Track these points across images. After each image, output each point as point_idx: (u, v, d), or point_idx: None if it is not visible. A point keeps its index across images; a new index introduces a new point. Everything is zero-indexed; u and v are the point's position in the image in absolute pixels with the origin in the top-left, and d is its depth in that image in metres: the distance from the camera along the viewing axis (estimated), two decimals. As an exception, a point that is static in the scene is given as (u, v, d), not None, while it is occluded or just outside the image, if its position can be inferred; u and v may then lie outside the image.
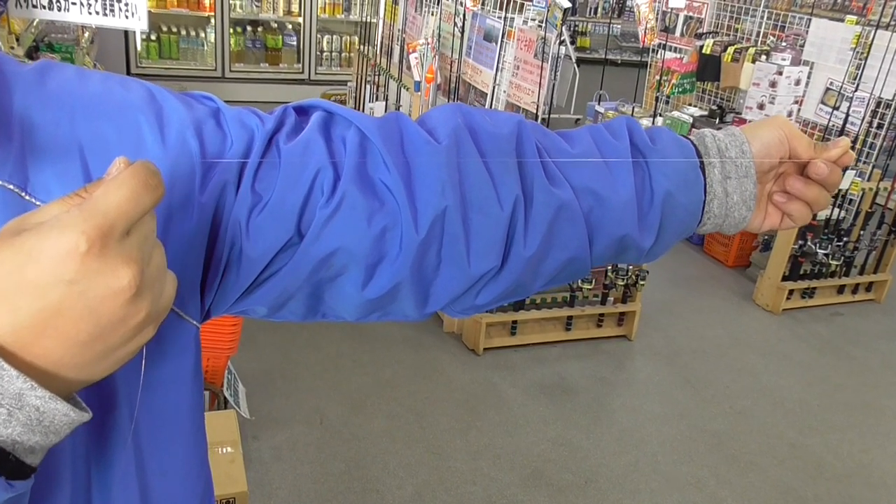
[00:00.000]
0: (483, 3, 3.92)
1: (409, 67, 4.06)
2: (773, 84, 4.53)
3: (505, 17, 3.59)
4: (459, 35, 3.83)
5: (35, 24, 3.18)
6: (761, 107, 4.62)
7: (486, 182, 0.62)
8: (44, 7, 2.13)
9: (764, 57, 4.65)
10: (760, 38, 5.09)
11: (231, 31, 6.71)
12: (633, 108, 4.33)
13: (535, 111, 3.35)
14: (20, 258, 0.37)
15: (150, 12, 6.77)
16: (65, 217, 0.38)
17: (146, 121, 0.54)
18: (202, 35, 6.79)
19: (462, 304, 0.67)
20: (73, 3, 2.14)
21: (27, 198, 0.48)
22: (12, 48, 2.73)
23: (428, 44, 3.88)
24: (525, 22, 3.55)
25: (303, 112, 0.64)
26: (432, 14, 4.09)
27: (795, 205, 0.73)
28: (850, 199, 4.29)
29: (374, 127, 0.61)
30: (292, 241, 0.57)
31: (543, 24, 3.26)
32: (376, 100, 4.67)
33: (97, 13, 2.15)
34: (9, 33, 2.72)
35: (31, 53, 3.59)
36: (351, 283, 0.61)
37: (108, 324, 0.40)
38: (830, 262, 4.17)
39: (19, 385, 0.38)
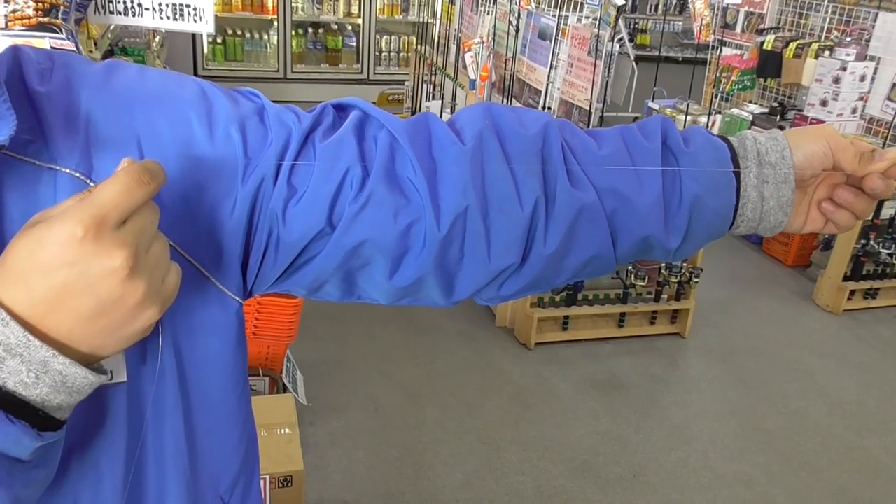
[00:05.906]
0: (538, 2, 3.96)
1: (464, 66, 4.13)
2: (836, 80, 4.43)
3: (559, 16, 3.63)
4: (514, 33, 3.88)
5: (111, 29, 3.37)
6: (824, 103, 4.52)
7: (508, 182, 0.66)
8: (120, 13, 2.28)
9: (827, 52, 4.54)
10: (824, 34, 4.97)
11: (293, 33, 6.90)
12: (689, 105, 4.30)
13: (588, 108, 3.37)
14: (33, 245, 0.44)
15: (216, 16, 7.02)
16: (68, 210, 0.45)
17: (196, 117, 0.60)
18: (265, 37, 6.99)
19: (487, 294, 0.72)
20: (146, 9, 2.28)
21: (91, 184, 0.55)
22: (90, 52, 2.91)
23: (483, 42, 3.94)
24: (579, 20, 3.57)
25: (342, 109, 0.70)
26: (488, 13, 4.15)
27: (842, 214, 0.74)
28: (917, 198, 4.16)
29: (402, 129, 0.66)
30: (325, 232, 0.63)
31: (597, 22, 3.29)
32: (432, 99, 4.75)
33: (168, 18, 2.29)
34: (88, 38, 2.90)
35: (108, 57, 3.79)
36: (379, 272, 0.67)
37: (108, 300, 0.46)
38: (894, 262, 4.06)
39: (43, 353, 0.45)
